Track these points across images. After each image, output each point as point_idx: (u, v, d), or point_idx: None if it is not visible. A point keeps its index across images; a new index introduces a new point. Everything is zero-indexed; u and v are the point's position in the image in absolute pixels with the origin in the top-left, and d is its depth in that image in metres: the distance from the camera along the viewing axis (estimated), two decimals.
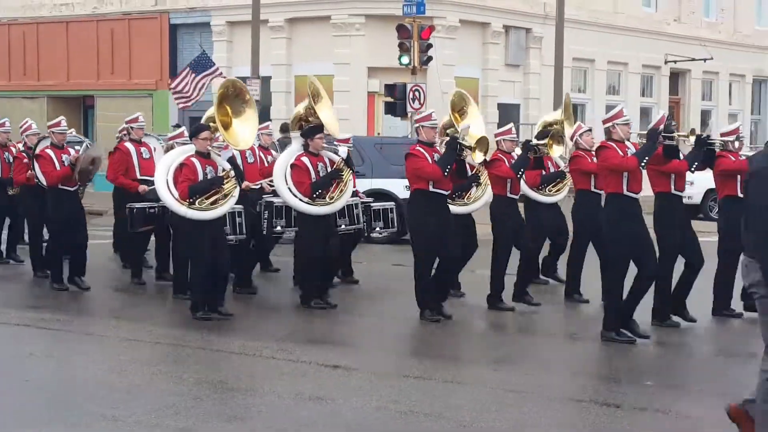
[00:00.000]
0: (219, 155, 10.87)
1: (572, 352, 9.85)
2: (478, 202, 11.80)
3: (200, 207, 10.51)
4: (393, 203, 13.68)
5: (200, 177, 10.57)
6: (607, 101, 32.00)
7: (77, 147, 14.56)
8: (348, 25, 26.94)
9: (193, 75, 23.91)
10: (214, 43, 29.08)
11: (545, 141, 11.74)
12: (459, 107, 12.08)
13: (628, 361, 9.31)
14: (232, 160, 10.92)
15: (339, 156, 11.57)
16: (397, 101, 23.51)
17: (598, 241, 11.43)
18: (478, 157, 10.91)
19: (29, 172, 13.32)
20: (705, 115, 35.47)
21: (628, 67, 32.47)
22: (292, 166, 11.36)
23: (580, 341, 10.19)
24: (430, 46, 23.62)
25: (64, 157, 12.38)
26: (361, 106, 27.01)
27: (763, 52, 37.23)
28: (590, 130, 12.42)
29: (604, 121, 10.06)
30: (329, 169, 11.42)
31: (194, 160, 10.64)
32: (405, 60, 23.47)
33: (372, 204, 13.18)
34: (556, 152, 12.04)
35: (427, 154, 10.67)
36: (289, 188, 11.29)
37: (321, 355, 9.24)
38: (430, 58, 23.68)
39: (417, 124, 11.12)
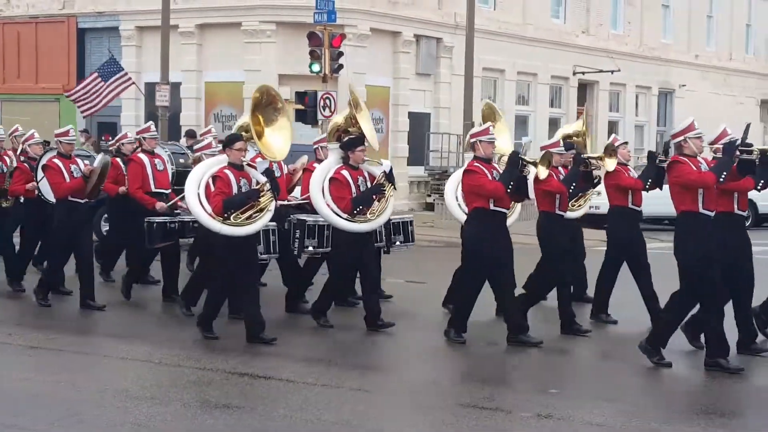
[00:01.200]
0: (254, 167, 10.10)
1: (499, 361, 9.94)
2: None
3: (235, 222, 9.78)
4: (411, 216, 12.79)
5: (234, 190, 9.85)
6: (517, 111, 32.44)
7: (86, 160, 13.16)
8: (259, 32, 26.83)
9: (100, 81, 23.58)
10: (123, 48, 28.68)
11: (597, 155, 10.98)
12: (488, 119, 11.63)
13: (527, 368, 9.45)
14: (269, 172, 10.03)
15: (382, 169, 10.88)
16: (307, 109, 23.46)
17: (635, 260, 11.00)
18: (542, 173, 10.26)
19: (31, 183, 12.56)
20: (612, 126, 36.12)
21: (538, 77, 32.92)
22: (331, 180, 10.62)
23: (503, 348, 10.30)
24: (341, 54, 23.64)
25: (73, 167, 11.72)
26: None
27: (668, 64, 38.08)
28: (626, 143, 11.80)
29: (674, 135, 9.43)
30: (369, 184, 10.77)
31: (228, 172, 9.90)
32: (316, 68, 23.44)
33: (392, 217, 11.82)
34: (610, 166, 10.89)
35: (486, 171, 10.05)
36: (327, 203, 10.60)
37: (227, 363, 9.17)
38: (341, 66, 23.69)
39: (473, 139, 10.29)
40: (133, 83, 24.92)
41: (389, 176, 10.81)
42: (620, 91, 36.41)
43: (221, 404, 7.74)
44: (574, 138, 12.28)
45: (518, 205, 11.34)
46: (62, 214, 11.69)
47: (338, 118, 11.57)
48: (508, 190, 9.91)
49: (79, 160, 11.98)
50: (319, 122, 23.29)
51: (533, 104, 33.11)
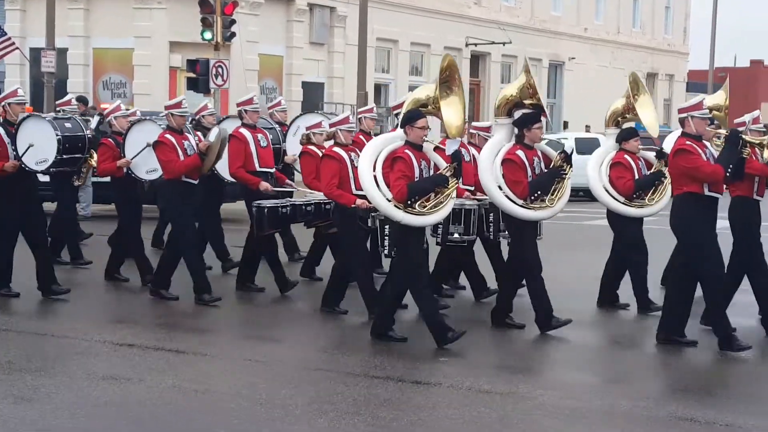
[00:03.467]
0: (441, 148, 9.11)
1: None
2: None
3: (420, 210, 8.64)
4: (475, 203, 10.43)
5: (416, 174, 8.70)
6: (410, 82, 32.53)
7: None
8: None
9: None
10: (7, 12, 27.84)
11: (759, 140, 9.34)
12: (633, 93, 10.68)
13: (426, 340, 9.50)
14: (457, 154, 8.85)
15: (564, 150, 9.66)
16: (199, 77, 23.10)
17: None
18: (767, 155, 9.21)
19: (123, 160, 11.36)
20: None
21: (431, 48, 33.04)
22: (505, 161, 9.38)
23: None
24: (233, 22, 23.31)
25: (186, 144, 10.45)
26: (162, 81, 26.44)
27: (558, 37, 38.62)
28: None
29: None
30: (543, 166, 9.53)
31: (409, 152, 8.71)
32: (208, 35, 23.08)
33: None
34: None
35: (701, 151, 8.82)
36: (500, 188, 9.39)
37: (116, 335, 9.01)
38: (233, 35, 23.37)
39: (684, 114, 8.96)
40: (17, 48, 24.18)
41: (568, 157, 9.55)
42: (512, 62, 36.80)
43: (108, 376, 7.59)
44: (715, 112, 11.09)
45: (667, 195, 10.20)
46: (175, 197, 10.43)
47: (510, 89, 9.94)
48: (728, 173, 8.76)
49: (190, 136, 10.67)
50: (212, 91, 22.99)
51: (426, 75, 33.22)
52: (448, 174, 8.74)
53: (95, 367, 7.85)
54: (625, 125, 10.82)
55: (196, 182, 10.54)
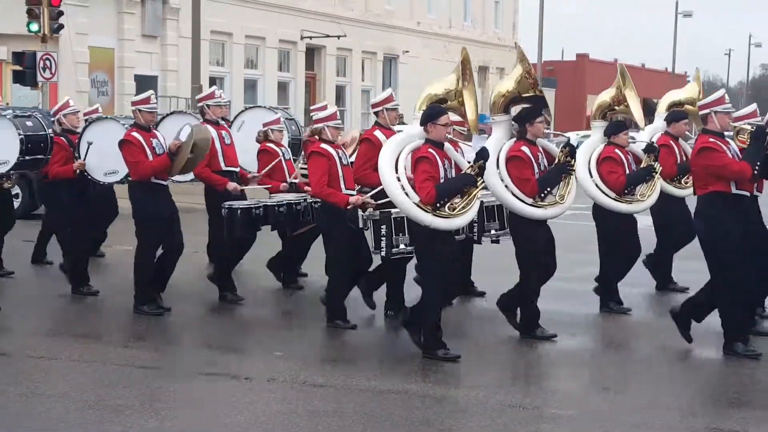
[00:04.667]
0: (457, 143, 8.64)
1: (203, 329, 9.90)
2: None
3: (449, 213, 8.18)
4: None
5: (441, 174, 8.24)
6: (246, 75, 32.34)
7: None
8: None
9: None
10: None
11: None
12: (618, 85, 10.43)
13: (255, 334, 9.52)
14: (484, 152, 8.34)
15: (569, 143, 9.26)
16: (26, 70, 22.37)
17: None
18: None
19: (78, 162, 10.69)
20: (340, 91, 36.72)
21: (266, 41, 32.92)
22: (511, 158, 8.96)
23: (214, 317, 10.28)
24: (61, 13, 22.65)
25: (155, 142, 9.75)
26: None
27: (392, 30, 39.03)
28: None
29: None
30: (545, 161, 9.15)
31: (433, 152, 8.26)
32: (34, 27, 22.36)
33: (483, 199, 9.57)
34: None
35: (725, 148, 8.54)
36: (506, 186, 8.98)
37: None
38: (61, 26, 22.72)
39: (707, 110, 8.72)
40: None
41: (573, 150, 9.15)
42: (347, 56, 37.01)
43: None
44: (687, 107, 11.06)
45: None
46: (145, 199, 9.73)
47: (506, 84, 9.35)
48: (756, 171, 8.43)
49: (158, 133, 10.00)
50: (39, 84, 22.32)
51: (262, 68, 33.10)
52: (473, 173, 8.28)
53: None
54: (614, 118, 10.56)
55: (166, 183, 9.85)
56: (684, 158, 10.91)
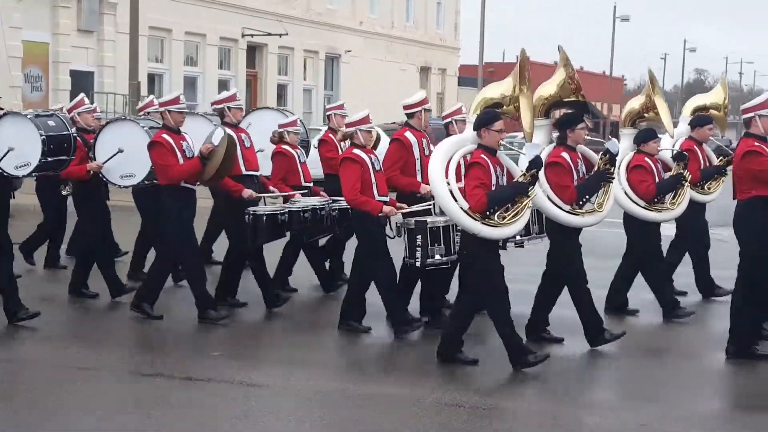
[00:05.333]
0: (523, 153, 8.28)
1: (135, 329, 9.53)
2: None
3: (498, 222, 7.85)
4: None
5: (493, 181, 7.92)
6: (185, 72, 31.82)
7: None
8: None
9: None
10: None
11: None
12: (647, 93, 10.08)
13: (197, 335, 9.23)
14: (537, 161, 7.97)
15: (609, 150, 8.87)
16: None
17: None
18: None
19: (94, 163, 9.99)
20: (281, 89, 36.33)
21: (206, 38, 32.43)
22: (549, 164, 8.67)
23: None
24: None
25: (184, 145, 9.35)
26: None
27: (334, 29, 38.74)
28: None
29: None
30: (585, 168, 8.89)
31: (486, 158, 7.92)
32: None
33: None
34: None
35: None
36: (545, 193, 8.66)
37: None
38: None
39: (751, 114, 8.55)
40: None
41: (613, 158, 8.87)
42: (289, 54, 36.65)
43: None
44: (712, 111, 10.81)
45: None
46: (174, 205, 9.29)
47: (548, 88, 9.04)
48: None
49: (187, 136, 9.51)
50: None
51: (202, 66, 32.60)
52: (526, 182, 7.94)
53: None
54: (644, 126, 10.30)
55: (195, 188, 9.42)
56: (707, 163, 10.83)
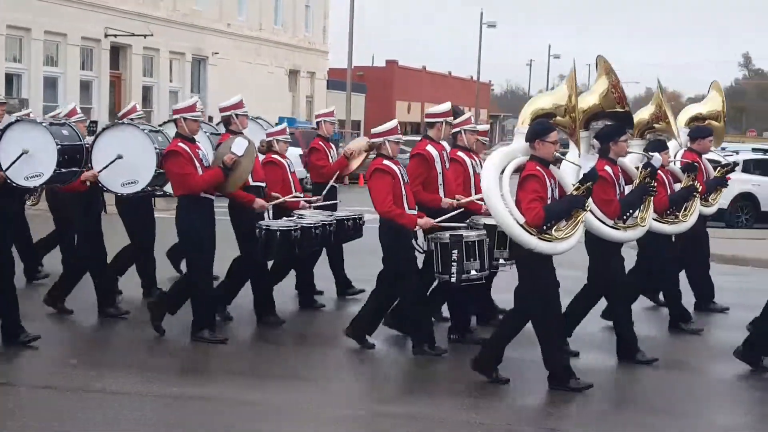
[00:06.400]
0: (578, 165, 7.99)
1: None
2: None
3: (555, 236, 7.59)
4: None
5: (549, 194, 7.65)
6: (45, 73, 30.88)
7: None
8: None
9: None
10: None
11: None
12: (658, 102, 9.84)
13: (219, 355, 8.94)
14: (592, 174, 7.78)
15: (651, 163, 8.68)
16: None
17: None
18: None
19: (89, 173, 9.28)
20: (147, 91, 35.62)
21: (67, 38, 31.53)
22: None
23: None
24: None
25: (201, 153, 9.00)
26: None
27: (201, 31, 38.19)
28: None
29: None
30: (623, 182, 8.70)
31: (541, 170, 7.65)
32: None
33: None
34: None
35: None
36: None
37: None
38: None
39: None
40: None
41: (654, 171, 8.74)
42: (154, 55, 35.97)
43: None
44: (711, 121, 10.68)
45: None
46: (192, 217, 8.94)
47: (590, 99, 8.62)
48: None
49: (200, 144, 9.20)
50: None
51: (63, 66, 31.66)
52: (582, 195, 7.69)
53: None
54: (652, 137, 10.09)
55: (213, 197, 9.10)
56: (708, 175, 10.78)
